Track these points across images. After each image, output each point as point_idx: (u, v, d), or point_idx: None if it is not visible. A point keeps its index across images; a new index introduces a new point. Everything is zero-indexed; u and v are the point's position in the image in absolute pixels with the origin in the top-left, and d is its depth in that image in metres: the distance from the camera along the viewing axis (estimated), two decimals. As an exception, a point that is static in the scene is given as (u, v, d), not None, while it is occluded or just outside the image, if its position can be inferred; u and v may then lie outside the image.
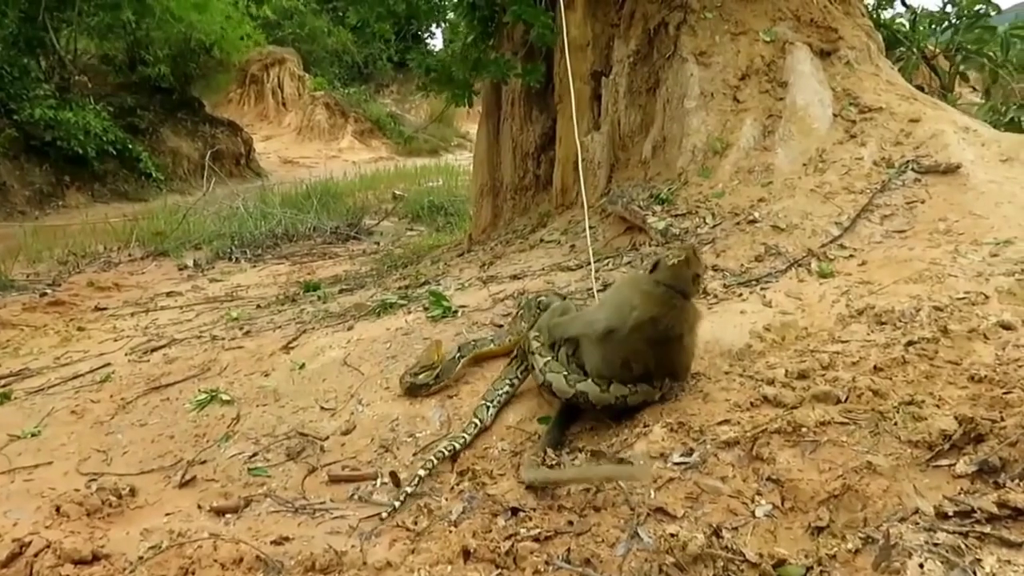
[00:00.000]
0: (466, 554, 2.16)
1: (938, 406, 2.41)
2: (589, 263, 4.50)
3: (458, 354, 3.36)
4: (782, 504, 2.16)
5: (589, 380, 2.77)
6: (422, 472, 2.65)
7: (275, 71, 26.12)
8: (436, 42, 27.17)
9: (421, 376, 3.33)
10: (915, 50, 7.06)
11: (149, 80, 17.97)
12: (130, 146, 15.84)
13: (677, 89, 5.24)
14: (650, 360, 2.76)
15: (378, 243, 10.66)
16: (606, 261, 4.24)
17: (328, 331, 4.36)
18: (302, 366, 3.84)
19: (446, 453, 2.77)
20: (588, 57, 5.59)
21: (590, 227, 5.18)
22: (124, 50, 17.93)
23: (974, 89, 9.40)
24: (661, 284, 2.74)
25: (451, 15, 6.87)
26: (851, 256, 3.72)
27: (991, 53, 7.14)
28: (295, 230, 10.93)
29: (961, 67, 7.27)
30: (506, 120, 6.69)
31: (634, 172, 5.39)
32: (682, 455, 2.43)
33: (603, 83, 5.68)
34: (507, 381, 3.10)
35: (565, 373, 2.82)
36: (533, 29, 5.49)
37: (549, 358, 2.91)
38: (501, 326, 3.82)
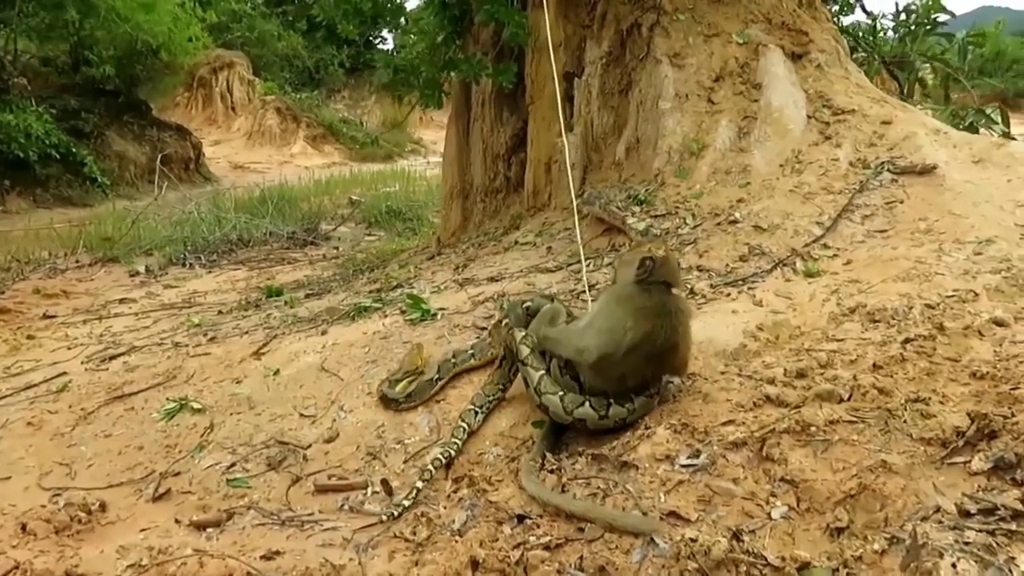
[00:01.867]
0: (474, 564, 2.06)
1: (943, 403, 2.40)
2: (568, 265, 4.48)
3: (436, 375, 3.23)
4: (798, 505, 2.11)
5: (587, 405, 2.65)
6: (420, 483, 2.55)
7: (224, 75, 25.60)
8: (387, 47, 27.02)
9: (398, 387, 3.24)
10: (876, 56, 7.18)
11: (94, 82, 17.42)
12: (74, 150, 15.30)
13: (651, 90, 5.22)
14: (648, 372, 2.70)
15: (337, 248, 10.52)
16: (587, 262, 4.17)
17: (300, 336, 4.24)
18: (276, 372, 3.72)
19: (443, 460, 2.68)
20: (560, 58, 5.54)
21: (566, 229, 5.17)
22: (67, 51, 17.36)
23: (926, 97, 9.65)
24: (650, 288, 2.66)
25: (416, 14, 6.76)
26: (836, 255, 3.73)
27: (948, 59, 7.31)
28: (251, 235, 10.72)
29: (919, 73, 7.43)
30: (476, 121, 6.62)
31: (608, 174, 5.36)
32: (689, 457, 2.37)
33: (575, 84, 5.64)
34: (498, 386, 3.02)
35: (561, 394, 2.70)
36: (506, 29, 5.43)
37: (543, 372, 2.78)
38: (484, 328, 3.73)
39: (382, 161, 23.11)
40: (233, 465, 3.01)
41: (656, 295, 2.64)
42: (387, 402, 3.20)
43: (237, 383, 3.75)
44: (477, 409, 2.94)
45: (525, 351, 2.87)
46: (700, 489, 2.22)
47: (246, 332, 4.67)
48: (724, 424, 2.49)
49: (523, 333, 2.93)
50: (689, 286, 3.69)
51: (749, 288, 3.58)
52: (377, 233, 12.05)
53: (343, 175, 18.18)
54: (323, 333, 4.19)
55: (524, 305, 3.31)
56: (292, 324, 4.62)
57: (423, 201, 13.76)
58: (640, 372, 2.66)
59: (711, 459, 2.33)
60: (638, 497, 2.23)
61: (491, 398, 3.00)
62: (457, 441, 2.79)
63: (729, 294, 3.57)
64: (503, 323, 3.26)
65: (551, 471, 2.51)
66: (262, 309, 5.62)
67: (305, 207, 13.46)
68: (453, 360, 3.31)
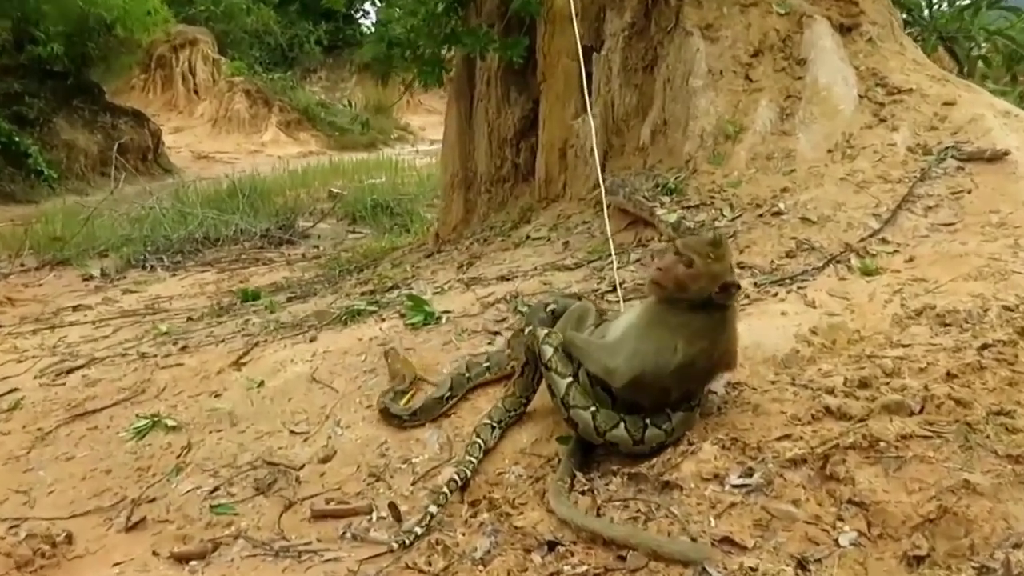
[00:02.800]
0: (502, 598, 2.06)
1: (1030, 416, 2.40)
2: (589, 262, 4.50)
3: (447, 392, 3.22)
4: (869, 530, 2.12)
5: (622, 426, 2.63)
6: (434, 508, 2.56)
7: (186, 53, 25.59)
8: (368, 23, 27.09)
9: (402, 401, 3.26)
10: (932, 30, 7.20)
11: (39, 62, 17.37)
12: (16, 139, 15.28)
13: (680, 66, 5.23)
14: (695, 386, 2.70)
15: (318, 247, 10.57)
16: (611, 259, 4.18)
17: (285, 343, 4.26)
18: (260, 384, 3.74)
19: (459, 481, 2.68)
20: (576, 30, 5.54)
21: (584, 222, 5.19)
22: (9, 28, 17.36)
23: (985, 78, 9.67)
24: (708, 304, 2.59)
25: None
26: (896, 251, 3.74)
27: (1013, 35, 7.32)
28: (219, 233, 10.78)
29: (980, 50, 7.44)
30: (480, 102, 6.63)
31: (631, 160, 5.36)
32: (741, 476, 2.38)
33: (594, 60, 5.64)
34: (519, 398, 3.02)
35: (593, 409, 2.68)
36: (516, -3, 5.45)
37: (570, 380, 2.75)
38: (497, 333, 3.76)
39: (365, 149, 23.14)
40: (216, 489, 3.01)
41: (716, 312, 2.62)
42: (389, 417, 3.21)
43: (216, 397, 3.77)
44: (494, 424, 2.94)
45: (548, 352, 2.81)
46: (756, 512, 2.22)
47: (222, 340, 4.68)
48: (779, 439, 2.50)
49: (546, 331, 2.89)
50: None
51: (799, 287, 3.58)
52: (362, 230, 12.09)
53: (321, 165, 18.20)
54: (312, 340, 4.20)
55: (548, 308, 3.30)
56: (275, 330, 4.64)
57: (414, 193, 13.80)
58: (687, 387, 2.66)
59: (766, 478, 2.33)
60: (685, 521, 2.23)
61: (511, 412, 2.99)
62: (472, 459, 2.79)
63: (776, 294, 3.57)
64: (525, 331, 3.24)
65: (582, 492, 2.52)
66: (238, 314, 5.63)
67: (279, 201, 13.50)
68: (466, 374, 3.30)
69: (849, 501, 2.18)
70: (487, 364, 3.36)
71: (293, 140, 24.58)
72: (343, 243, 10.88)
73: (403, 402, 3.28)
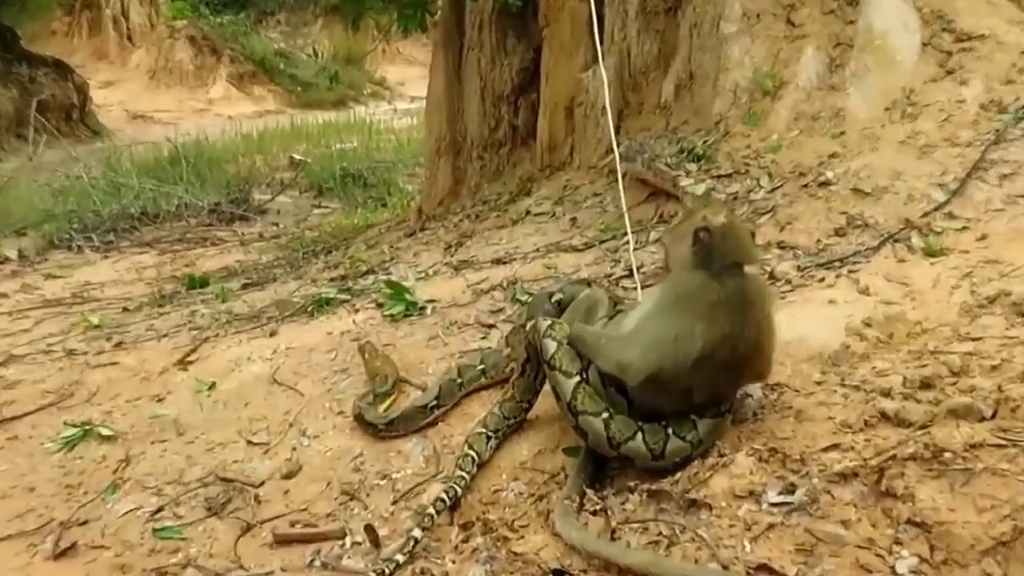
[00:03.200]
0: (501, 636, 2.10)
1: (1121, 422, 2.43)
2: (601, 242, 4.56)
3: (434, 400, 3.26)
4: (931, 556, 2.14)
5: (639, 437, 2.65)
6: (418, 532, 2.58)
7: (117, -8, 25.61)
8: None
9: (382, 406, 3.32)
10: (1009, -37, 7.21)
11: (-61, 2, 17.42)
12: (-86, 94, 15.32)
13: (709, 8, 5.25)
14: (722, 384, 2.72)
15: (278, 224, 10.71)
16: (627, 239, 4.21)
17: (240, 339, 4.33)
18: (211, 386, 3.81)
19: (448, 500, 2.71)
20: (585, -35, 5.57)
21: (595, 195, 5.23)
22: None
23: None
24: (720, 274, 2.62)
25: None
26: (965, 228, 3.76)
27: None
28: (159, 208, 10.91)
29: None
30: (471, 51, 6.66)
31: (651, 120, 5.41)
32: (781, 493, 2.41)
33: (606, 1, 5.67)
34: (519, 403, 3.05)
35: (606, 416, 2.70)
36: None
37: (578, 380, 2.76)
38: (491, 327, 3.80)
39: (332, 108, 23.15)
40: (160, 510, 3.05)
41: (730, 282, 2.62)
42: (364, 425, 3.25)
43: (159, 401, 3.83)
44: (490, 433, 2.97)
45: (552, 347, 2.81)
46: (798, 535, 2.25)
47: (165, 335, 4.75)
48: (826, 449, 2.53)
49: (549, 322, 2.90)
50: (768, 268, 3.74)
51: (850, 271, 3.61)
52: (329, 204, 12.22)
53: (280, 127, 18.25)
54: (272, 334, 4.28)
55: (554, 299, 3.32)
56: (227, 323, 4.72)
57: (391, 161, 13.89)
58: (712, 385, 2.68)
59: (811, 495, 2.36)
60: (715, 546, 2.26)
61: (510, 419, 3.03)
62: (464, 475, 2.82)
63: (823, 279, 3.61)
64: (525, 326, 3.25)
65: (594, 512, 2.54)
66: (183, 304, 5.72)
67: (231, 170, 13.60)
68: (458, 379, 3.34)
69: (908, 521, 2.19)
70: (482, 367, 3.38)
71: (246, 97, 24.60)
72: (307, 220, 11.00)
73: (383, 407, 3.32)
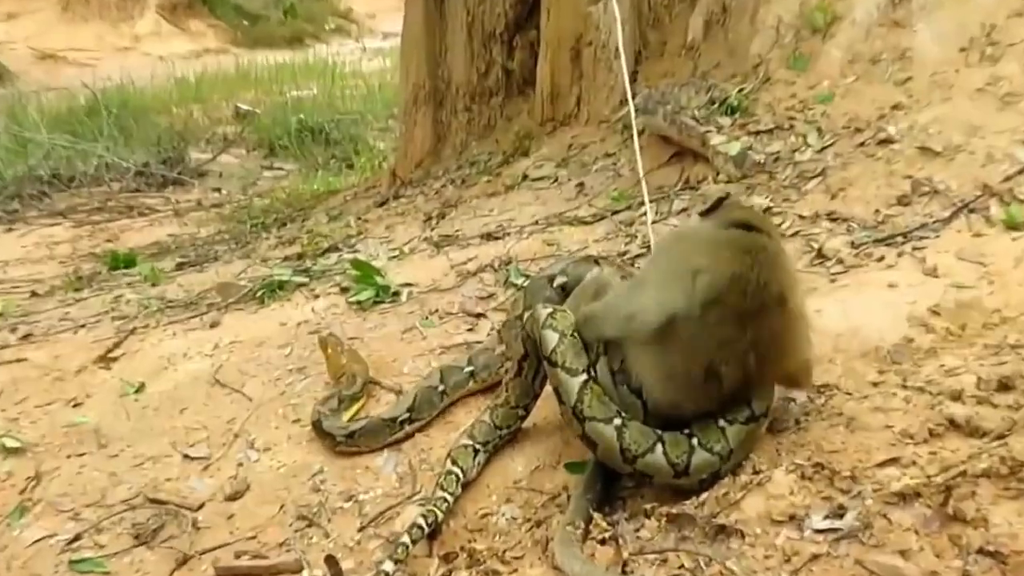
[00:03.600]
0: None
1: None
2: (613, 213, 4.52)
3: (405, 414, 3.25)
4: None
5: (658, 449, 2.64)
6: (389, 566, 2.55)
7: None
8: None
9: (346, 415, 3.32)
10: None
11: None
12: None
13: (745, -73, 5.24)
14: (748, 353, 2.70)
15: (219, 190, 10.64)
16: (644, 208, 4.20)
17: (175, 330, 4.33)
18: (140, 389, 3.80)
19: (425, 528, 2.69)
20: None
21: (607, 155, 5.22)
22: None
23: None
24: (730, 225, 2.71)
25: None
26: (1057, 195, 3.76)
27: None
28: (74, 170, 10.82)
29: None
30: (457, -23, 6.66)
31: (675, 64, 5.41)
32: (828, 517, 2.40)
33: (619, -83, 5.65)
34: (513, 409, 3.05)
35: (619, 423, 2.68)
36: None
37: (584, 378, 2.75)
38: (480, 316, 3.80)
39: (287, 47, 23.12)
40: (78, 538, 3.03)
41: (735, 231, 2.70)
42: (321, 435, 3.25)
43: (76, 406, 3.80)
44: (478, 446, 2.96)
45: (552, 339, 2.79)
46: (847, 567, 2.24)
47: (83, 325, 4.72)
48: (882, 465, 2.52)
49: (549, 310, 2.88)
50: (815, 245, 3.75)
51: (915, 248, 3.59)
52: (283, 166, 12.15)
53: (223, 70, 18.17)
54: (213, 326, 4.27)
55: (556, 282, 3.28)
56: (159, 312, 4.70)
57: (359, 113, 13.82)
58: (737, 354, 2.65)
59: (863, 520, 2.36)
60: None
61: (502, 430, 3.02)
62: (447, 496, 2.81)
63: (882, 257, 3.59)
64: (522, 318, 3.24)
65: (602, 541, 2.53)
66: (105, 288, 5.69)
67: (163, 123, 13.53)
68: (439, 386, 3.32)
69: (980, 551, 2.18)
70: (470, 369, 3.38)
71: (181, 32, 24.52)
72: (256, 185, 10.92)
73: (348, 415, 3.31)
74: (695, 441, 2.65)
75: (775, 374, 2.75)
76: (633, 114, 4.54)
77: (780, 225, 3.94)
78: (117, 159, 11.07)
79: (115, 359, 4.11)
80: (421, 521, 2.69)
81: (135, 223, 9.02)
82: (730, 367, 2.64)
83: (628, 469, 2.69)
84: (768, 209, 4.07)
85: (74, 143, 11.53)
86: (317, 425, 3.26)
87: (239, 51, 22.60)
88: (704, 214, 2.81)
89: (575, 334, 2.83)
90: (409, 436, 3.25)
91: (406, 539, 2.63)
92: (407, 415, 3.23)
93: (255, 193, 10.07)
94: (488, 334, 3.66)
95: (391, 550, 2.64)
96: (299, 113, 13.46)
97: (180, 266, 6.07)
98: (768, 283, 2.61)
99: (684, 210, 4.31)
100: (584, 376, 2.75)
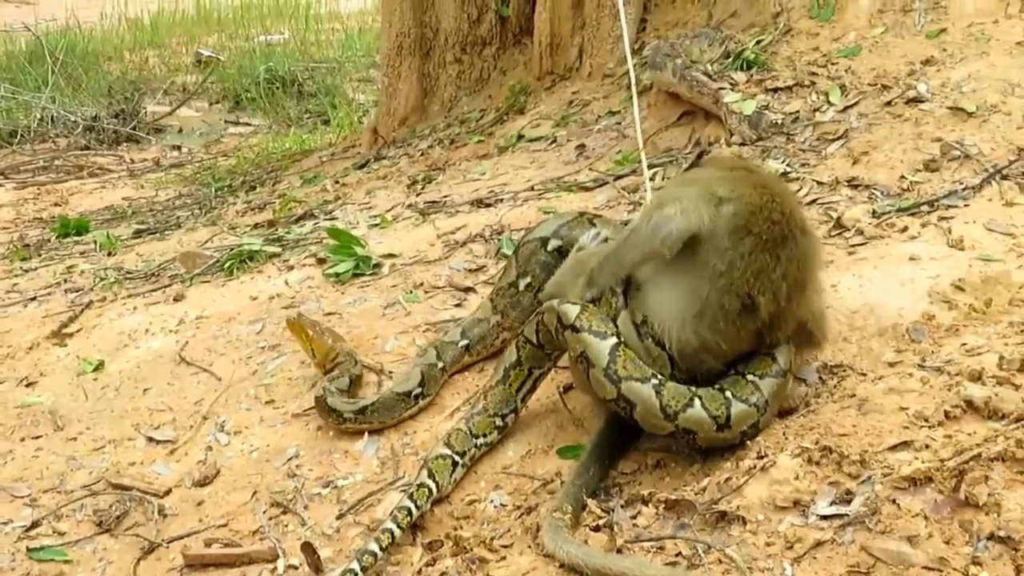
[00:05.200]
0: None
1: None
2: (616, 178, 4.62)
3: (418, 389, 3.39)
4: None
5: (698, 404, 2.83)
6: (376, 550, 2.71)
7: None
8: None
9: (342, 396, 3.38)
10: None
11: None
12: None
13: None
14: (781, 282, 2.87)
15: (179, 148, 10.69)
16: (653, 171, 4.32)
17: (135, 304, 4.43)
18: (98, 367, 3.91)
19: (413, 513, 2.86)
20: None
21: (611, 113, 5.33)
22: None
23: None
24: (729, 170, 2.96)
25: None
26: (1095, 161, 3.87)
27: None
28: (15, 123, 10.87)
29: None
30: (447, -86, 6.70)
31: (686, 12, 5.53)
32: (834, 503, 2.52)
33: None
34: (493, 419, 3.19)
35: (656, 382, 2.86)
36: None
37: (615, 340, 2.92)
38: (469, 290, 3.94)
39: (253, -18, 22.91)
40: (35, 525, 3.16)
41: (739, 171, 2.96)
42: (326, 413, 3.35)
43: (28, 386, 3.92)
44: (456, 457, 3.08)
45: (573, 311, 2.96)
46: (852, 554, 2.37)
47: (33, 298, 4.83)
48: (894, 448, 2.65)
49: (579, 306, 3.02)
50: (833, 214, 3.88)
51: (941, 217, 3.72)
52: (251, 121, 12.19)
53: (182, 11, 17.84)
54: (177, 299, 4.35)
55: (550, 246, 3.45)
56: (116, 284, 4.79)
57: (336, 61, 13.70)
58: (771, 284, 2.84)
59: (871, 505, 2.47)
60: (747, 569, 2.40)
61: (478, 439, 3.15)
62: (430, 485, 2.95)
63: (905, 228, 3.70)
64: (516, 285, 3.41)
65: (595, 528, 2.70)
66: (56, 258, 5.77)
67: (115, 71, 13.51)
68: (438, 363, 3.47)
69: (991, 537, 2.31)
70: (464, 343, 3.53)
71: (134, -32, 24.26)
72: (221, 142, 10.97)
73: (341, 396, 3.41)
74: (729, 394, 2.86)
75: (800, 311, 2.97)
76: (631, 65, 4.57)
77: (797, 192, 4.02)
78: (63, 112, 11.07)
79: (70, 335, 4.22)
80: (408, 506, 2.85)
81: (85, 185, 9.02)
82: (765, 297, 2.86)
83: (669, 427, 2.87)
84: (785, 174, 4.15)
85: (14, 93, 11.56)
86: (321, 402, 3.34)
87: (197, -12, 22.34)
88: (687, 171, 3.01)
89: (590, 296, 3.04)
90: (422, 411, 3.40)
91: (391, 525, 2.79)
92: (419, 389, 3.38)
93: (219, 152, 10.10)
94: (480, 305, 3.72)
95: (375, 537, 2.77)
96: (268, 61, 13.32)
97: (138, 233, 6.15)
98: (792, 211, 2.87)
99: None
100: (614, 339, 2.93)
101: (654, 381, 2.84)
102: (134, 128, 11.08)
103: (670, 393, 2.83)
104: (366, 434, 3.33)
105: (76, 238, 6.34)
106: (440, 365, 3.47)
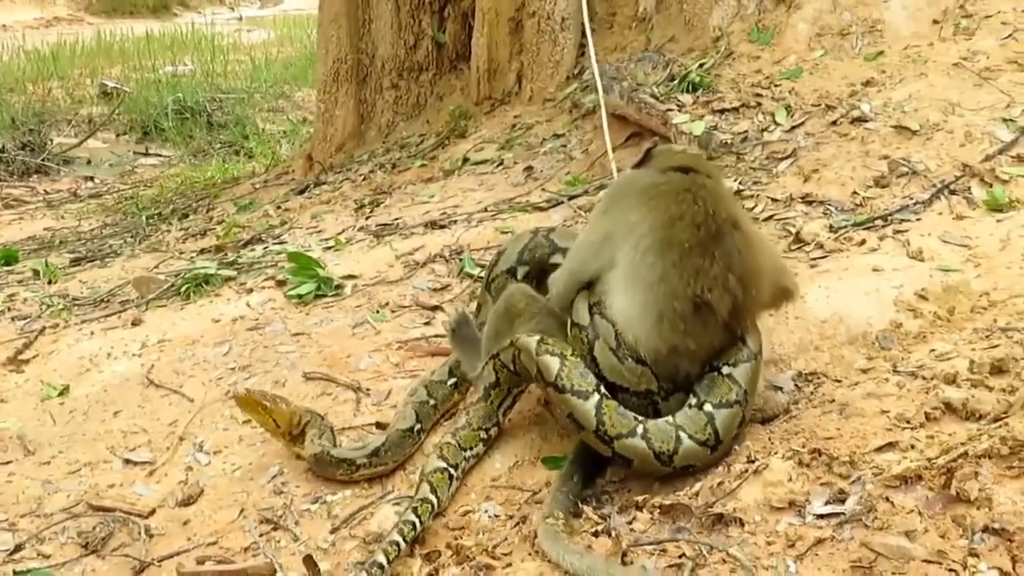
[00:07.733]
0: None
1: None
2: (570, 197, 4.71)
3: (417, 424, 3.42)
4: (1014, 568, 2.33)
5: (685, 439, 2.88)
6: (382, 562, 2.75)
7: None
8: None
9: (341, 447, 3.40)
10: None
11: None
12: None
13: None
14: (727, 276, 2.95)
15: (93, 178, 10.66)
16: (596, 195, 4.46)
17: (91, 329, 4.45)
18: (63, 391, 3.92)
19: (418, 527, 2.91)
20: None
21: (555, 136, 5.43)
22: None
23: None
24: (667, 171, 3.08)
25: None
26: (1040, 174, 4.02)
27: None
28: (-83, 157, 10.67)
29: None
30: (380, -62, 6.76)
31: (624, 37, 5.64)
32: (829, 502, 2.61)
33: None
34: (477, 433, 3.27)
35: (642, 431, 2.91)
36: None
37: (597, 398, 2.96)
38: (436, 308, 4.00)
39: (151, 15, 22.79)
40: (19, 548, 3.17)
41: (673, 175, 3.06)
42: (332, 467, 3.31)
43: (-8, 411, 3.90)
44: (451, 469, 3.15)
45: (554, 364, 3.01)
46: (853, 550, 2.46)
47: (-20, 326, 4.79)
48: (880, 449, 2.75)
49: (537, 337, 3.10)
50: (791, 229, 4.00)
51: (896, 231, 3.85)
52: (161, 152, 12.16)
53: (83, 42, 17.77)
54: (135, 323, 4.39)
55: (519, 274, 3.55)
56: (65, 310, 4.80)
57: (245, 92, 13.70)
58: (717, 281, 2.93)
59: (866, 504, 2.56)
60: (751, 567, 2.47)
61: (467, 451, 3.23)
62: (432, 500, 3.01)
63: (863, 241, 3.83)
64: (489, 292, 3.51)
65: (595, 534, 2.76)
66: (-5, 287, 5.74)
67: (17, 103, 13.30)
68: (429, 399, 3.52)
69: (985, 529, 2.40)
70: (452, 381, 3.58)
71: (29, -1, 24.07)
72: (135, 173, 10.95)
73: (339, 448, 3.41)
74: (708, 407, 2.93)
75: (759, 297, 3.07)
76: (600, 88, 4.76)
77: (752, 209, 4.17)
78: (-32, 145, 10.92)
79: (26, 361, 4.21)
80: (414, 518, 2.92)
81: (2, 216, 8.99)
82: (715, 294, 2.95)
83: (668, 470, 2.93)
84: (738, 192, 4.26)
85: (-86, 127, 11.35)
86: (324, 457, 3.29)
87: (94, 20, 22.17)
88: (637, 167, 3.18)
89: (574, 353, 3.07)
90: (419, 446, 3.43)
91: (396, 536, 2.85)
92: (418, 425, 3.43)
93: (137, 182, 10.06)
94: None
95: (384, 549, 2.80)
96: (175, 92, 13.33)
97: (76, 261, 6.12)
98: (715, 211, 2.96)
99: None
100: (596, 396, 2.97)
101: (640, 429, 2.91)
102: (44, 159, 11.03)
103: (657, 436, 2.90)
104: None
105: (6, 268, 6.27)
106: (432, 402, 3.52)
